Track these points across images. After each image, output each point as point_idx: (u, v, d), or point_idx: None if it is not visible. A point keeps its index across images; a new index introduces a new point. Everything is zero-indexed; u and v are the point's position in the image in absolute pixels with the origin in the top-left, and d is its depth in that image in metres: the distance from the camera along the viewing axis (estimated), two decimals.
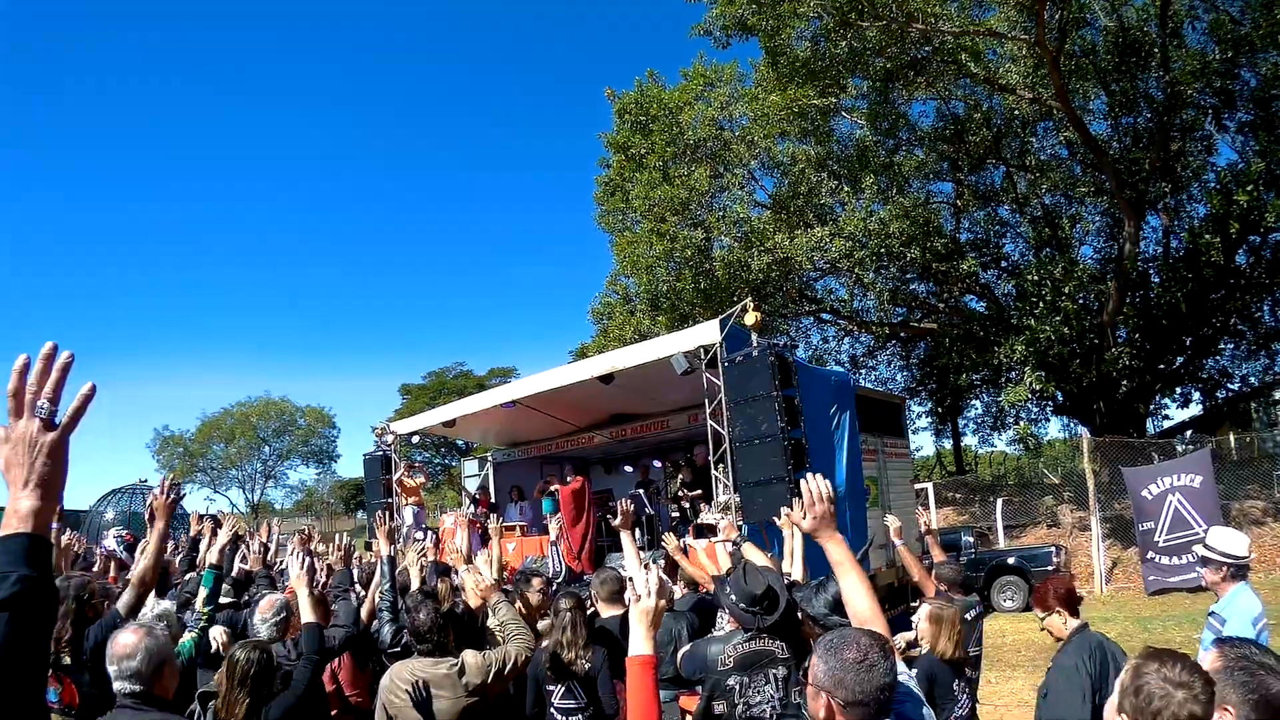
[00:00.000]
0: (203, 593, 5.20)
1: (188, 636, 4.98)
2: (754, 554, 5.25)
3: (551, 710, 4.96)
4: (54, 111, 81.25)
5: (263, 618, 4.97)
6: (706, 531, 10.20)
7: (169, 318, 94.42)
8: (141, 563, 4.76)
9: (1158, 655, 2.32)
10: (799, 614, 4.67)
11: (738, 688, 4.22)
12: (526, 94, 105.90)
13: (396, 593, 5.66)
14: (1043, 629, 4.68)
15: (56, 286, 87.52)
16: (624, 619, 5.62)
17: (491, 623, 5.30)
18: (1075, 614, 4.47)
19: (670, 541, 6.68)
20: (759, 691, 4.22)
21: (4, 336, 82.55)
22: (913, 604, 12.11)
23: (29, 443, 1.48)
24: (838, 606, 4.36)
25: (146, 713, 3.08)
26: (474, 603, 5.31)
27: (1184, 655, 2.32)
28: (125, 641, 3.21)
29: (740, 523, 9.22)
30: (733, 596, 4.48)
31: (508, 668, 4.43)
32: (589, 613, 5.82)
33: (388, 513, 7.45)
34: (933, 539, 7.43)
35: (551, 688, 4.97)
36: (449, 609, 4.99)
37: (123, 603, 4.51)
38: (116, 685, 3.15)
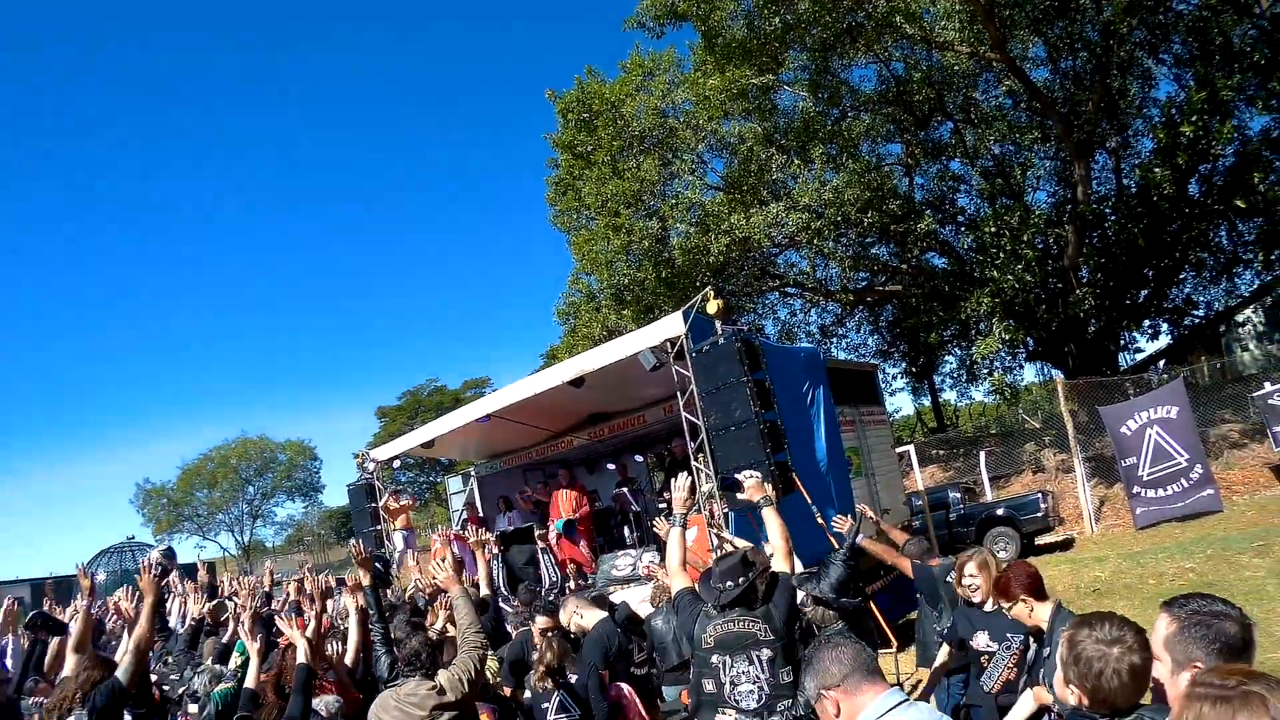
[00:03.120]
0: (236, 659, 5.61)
1: (222, 686, 5.31)
2: (771, 518, 5.14)
3: None
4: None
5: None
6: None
7: (136, 370, 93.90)
8: (136, 632, 4.88)
9: (1085, 621, 2.46)
10: (807, 599, 4.71)
11: (721, 666, 4.32)
12: (472, 105, 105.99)
13: (386, 622, 5.69)
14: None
15: (24, 348, 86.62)
16: (608, 619, 5.83)
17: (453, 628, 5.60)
18: (1043, 597, 4.31)
19: (661, 526, 6.70)
20: (742, 673, 4.30)
21: None
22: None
23: None
24: (843, 588, 4.41)
25: None
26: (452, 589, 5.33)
27: (1109, 614, 2.47)
28: None
29: (727, 510, 9.24)
30: (711, 580, 4.60)
31: (470, 676, 4.65)
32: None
33: (362, 543, 7.40)
34: (887, 527, 7.58)
35: (545, 705, 5.14)
36: (439, 632, 5.17)
37: (122, 670, 4.62)
38: None
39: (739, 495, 9.15)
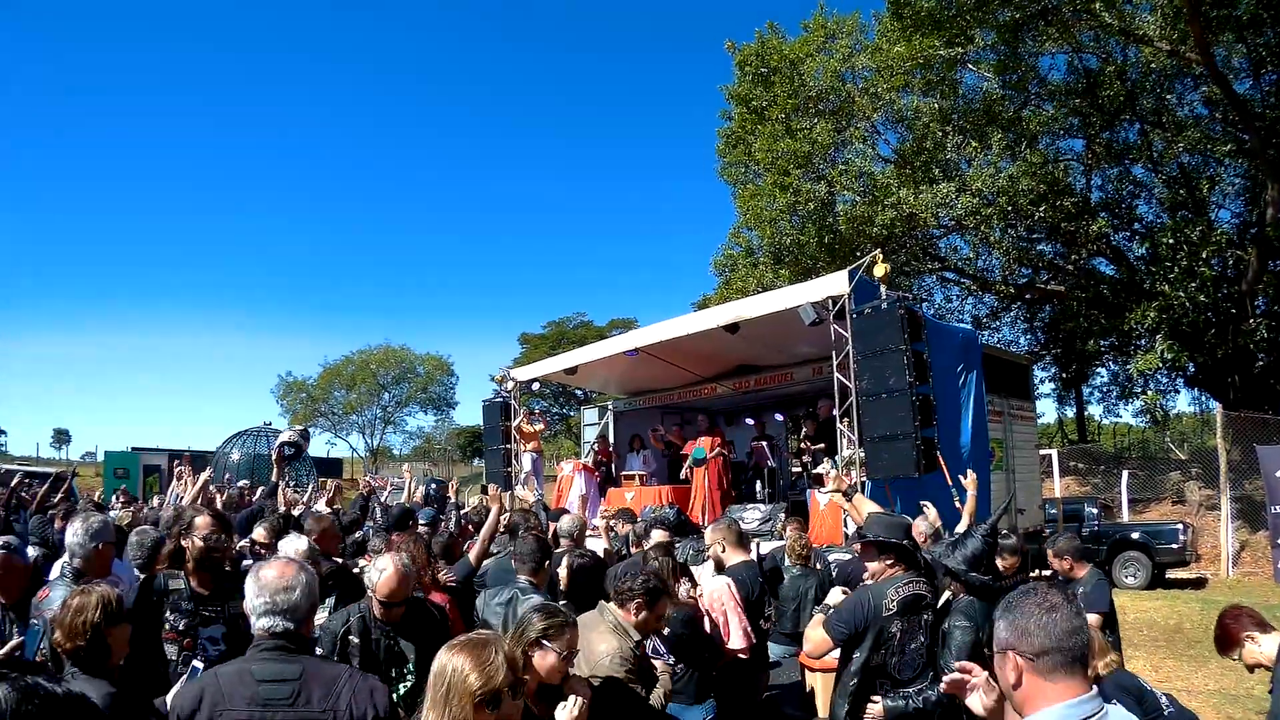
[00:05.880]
0: None
1: None
2: (866, 505, 5.11)
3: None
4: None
5: None
6: (817, 482, 10.20)
7: (292, 269, 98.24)
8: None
9: None
10: (942, 569, 4.56)
11: (898, 634, 4.10)
12: (648, 46, 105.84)
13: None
14: (1251, 668, 3.89)
15: (186, 235, 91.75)
16: (747, 564, 5.64)
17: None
18: (1269, 629, 3.82)
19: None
20: (913, 638, 4.12)
21: (141, 284, 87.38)
22: (1032, 572, 11.87)
23: None
24: (976, 562, 4.26)
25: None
26: None
27: None
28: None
29: (864, 479, 9.20)
30: (880, 535, 4.33)
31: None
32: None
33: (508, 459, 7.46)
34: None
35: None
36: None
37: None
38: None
39: (822, 490, 9.10)
